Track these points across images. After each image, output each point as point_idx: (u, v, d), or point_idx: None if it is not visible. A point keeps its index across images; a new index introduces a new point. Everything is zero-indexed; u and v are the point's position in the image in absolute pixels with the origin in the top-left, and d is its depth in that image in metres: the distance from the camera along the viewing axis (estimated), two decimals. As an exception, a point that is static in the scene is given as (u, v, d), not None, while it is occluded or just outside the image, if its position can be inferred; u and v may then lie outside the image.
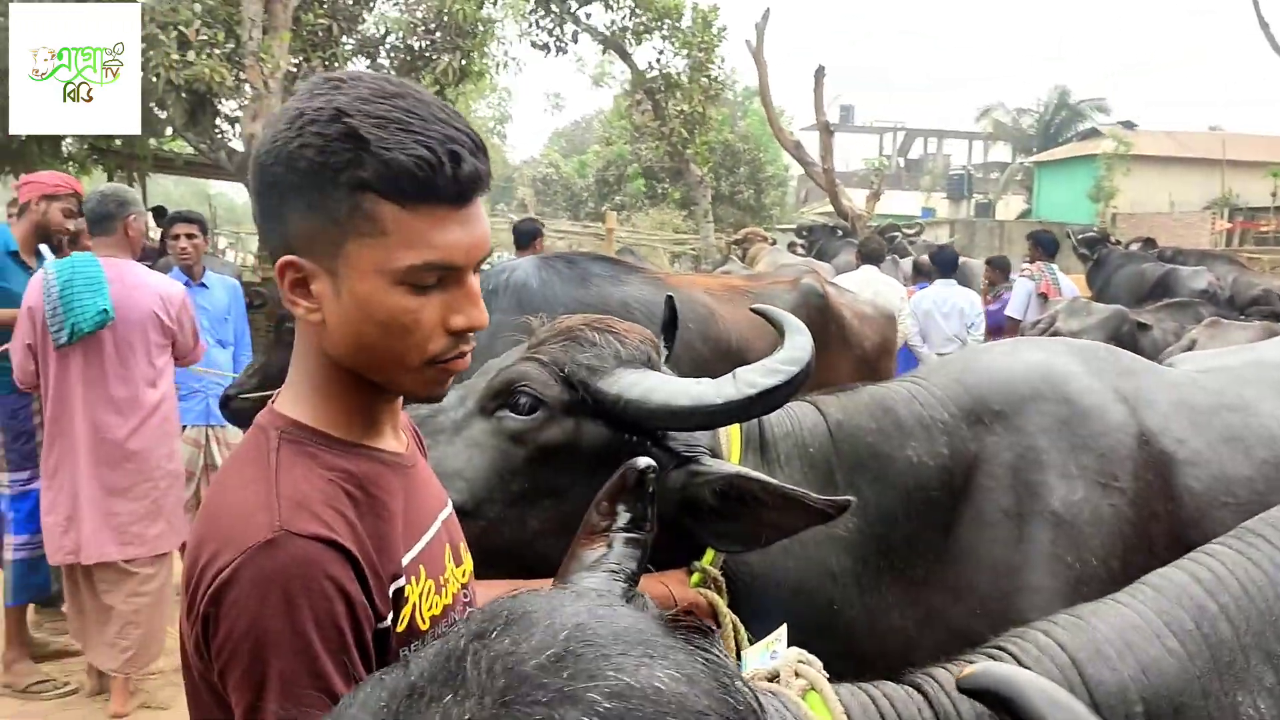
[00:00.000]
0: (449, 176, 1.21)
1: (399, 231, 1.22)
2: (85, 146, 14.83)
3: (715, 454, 2.11)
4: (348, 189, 1.21)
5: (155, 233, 10.40)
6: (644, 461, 1.20)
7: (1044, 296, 8.86)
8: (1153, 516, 2.24)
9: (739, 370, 2.04)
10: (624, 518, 1.16)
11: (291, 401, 1.37)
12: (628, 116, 26.44)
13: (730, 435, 2.23)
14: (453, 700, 0.77)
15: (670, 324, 2.64)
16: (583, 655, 0.79)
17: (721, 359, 4.86)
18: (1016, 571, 2.19)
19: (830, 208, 19.22)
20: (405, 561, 1.34)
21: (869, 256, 8.98)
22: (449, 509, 1.58)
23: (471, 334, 1.33)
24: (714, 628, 2.05)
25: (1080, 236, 13.39)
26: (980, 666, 0.90)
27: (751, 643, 2.01)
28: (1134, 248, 14.22)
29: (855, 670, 1.32)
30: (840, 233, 14.68)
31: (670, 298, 2.71)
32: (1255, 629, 1.14)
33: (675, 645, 0.85)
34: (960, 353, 2.61)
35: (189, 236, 6.11)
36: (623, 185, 33.57)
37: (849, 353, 5.86)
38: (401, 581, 1.32)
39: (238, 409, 4.56)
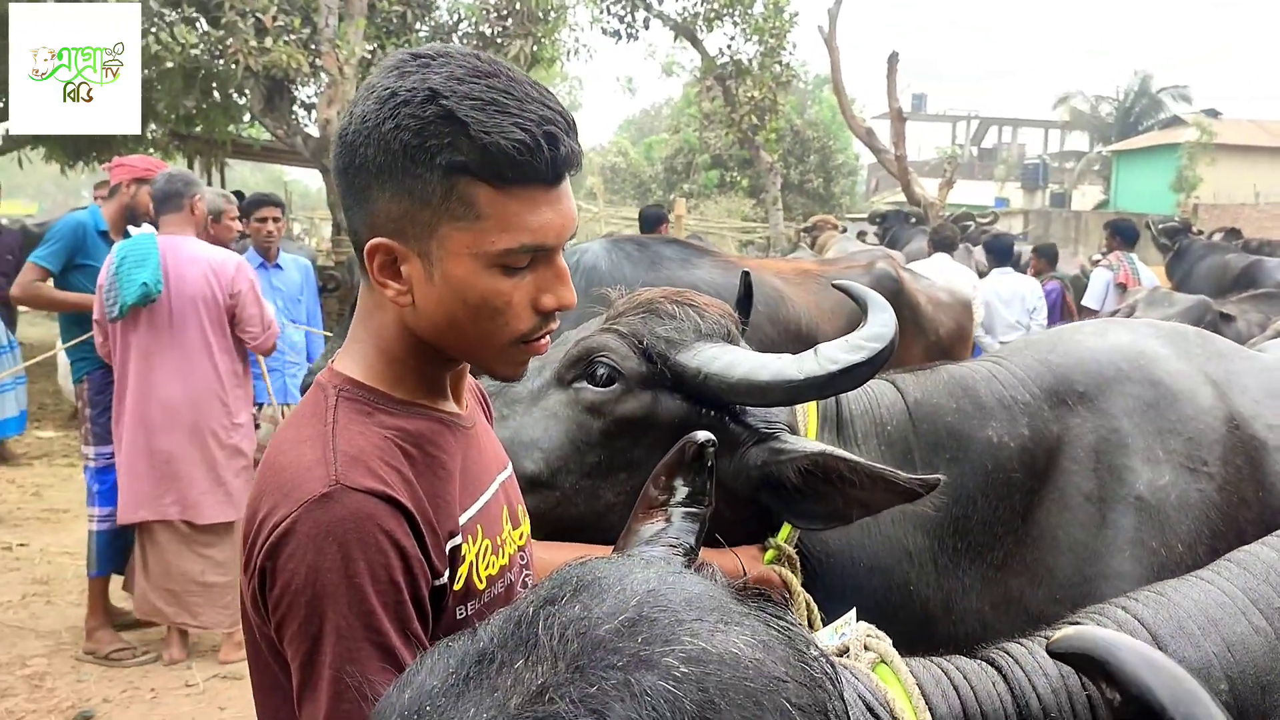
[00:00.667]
0: (546, 159, 1.21)
1: (495, 215, 1.22)
2: (166, 133, 15.21)
3: (793, 431, 2.10)
4: (444, 172, 1.20)
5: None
6: (703, 435, 1.19)
7: (1122, 287, 8.65)
8: (1242, 503, 2.17)
9: (820, 346, 2.01)
10: (682, 492, 1.15)
11: (352, 362, 1.37)
12: (697, 104, 26.34)
13: (808, 412, 2.21)
14: (525, 665, 0.76)
15: (745, 300, 2.61)
16: (657, 620, 0.79)
17: (790, 342, 4.82)
18: (1098, 557, 2.14)
19: (901, 197, 18.96)
20: (463, 520, 1.35)
21: (941, 244, 8.86)
22: (508, 471, 1.59)
23: (558, 313, 1.34)
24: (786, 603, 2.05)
25: (1161, 227, 13.03)
26: (1073, 630, 0.88)
27: (825, 623, 1.99)
28: (1217, 238, 13.78)
29: (930, 653, 1.31)
30: (913, 220, 14.45)
31: (746, 273, 2.68)
32: None
33: (749, 612, 0.84)
34: (1048, 332, 2.55)
35: (274, 220, 6.39)
36: (690, 173, 33.45)
37: (922, 338, 5.79)
38: (458, 540, 1.32)
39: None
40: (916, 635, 2.18)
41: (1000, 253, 8.92)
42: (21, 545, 6.51)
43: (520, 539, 1.55)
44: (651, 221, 9.26)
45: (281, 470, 1.25)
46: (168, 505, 4.92)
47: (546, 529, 1.96)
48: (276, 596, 1.19)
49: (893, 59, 18.06)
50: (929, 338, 5.84)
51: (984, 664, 1.13)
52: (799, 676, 0.80)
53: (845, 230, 14.47)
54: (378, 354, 1.36)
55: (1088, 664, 0.85)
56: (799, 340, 4.90)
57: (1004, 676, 1.09)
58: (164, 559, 4.99)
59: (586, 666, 0.75)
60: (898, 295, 5.62)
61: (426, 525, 1.26)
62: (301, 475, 1.21)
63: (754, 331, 4.62)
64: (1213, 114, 39.05)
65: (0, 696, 4.70)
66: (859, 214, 23.96)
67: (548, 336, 1.36)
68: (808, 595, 2.04)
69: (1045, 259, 10.17)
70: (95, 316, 4.93)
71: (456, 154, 1.19)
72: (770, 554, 2.07)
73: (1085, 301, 8.95)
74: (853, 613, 1.43)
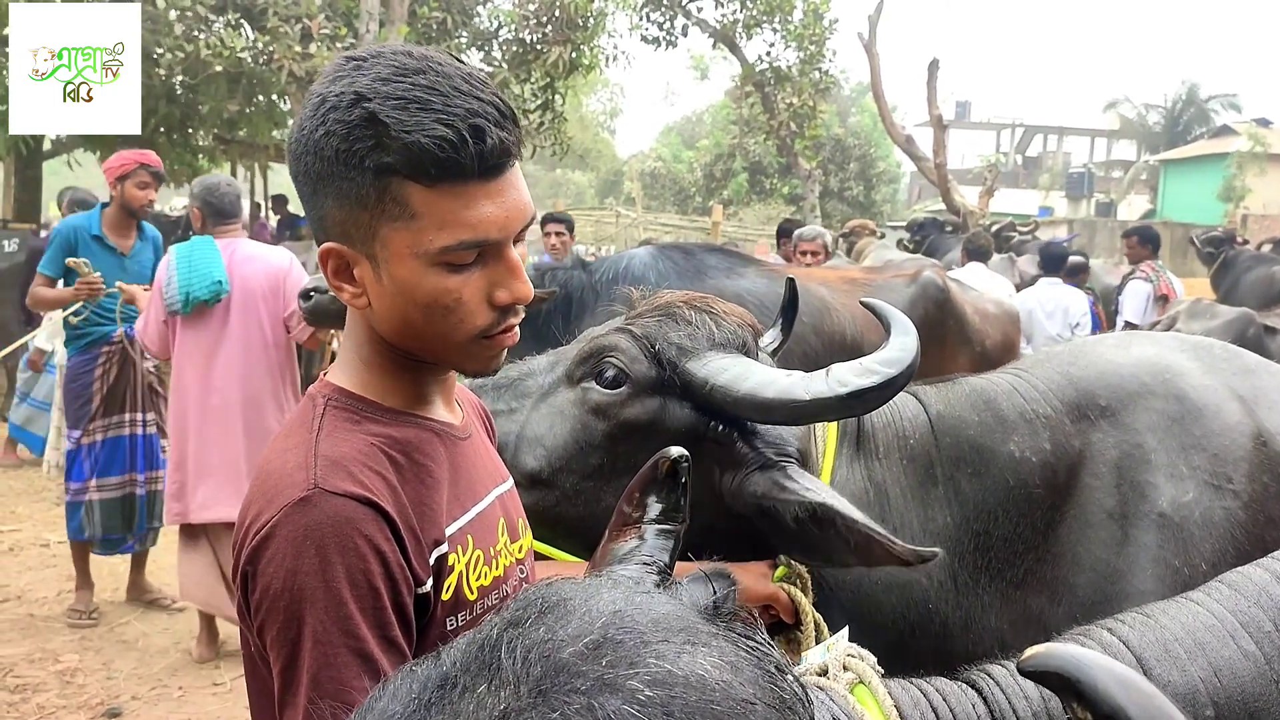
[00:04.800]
0: (472, 153, 1.19)
1: (429, 213, 1.21)
2: (211, 137, 15.44)
3: (806, 455, 2.04)
4: (373, 174, 1.21)
5: (273, 219, 10.83)
6: (676, 451, 1.16)
7: (1164, 299, 8.48)
8: (1269, 522, 2.12)
9: (834, 366, 1.95)
10: (655, 509, 1.13)
11: (342, 372, 1.39)
12: (736, 111, 26.28)
13: (827, 426, 2.19)
14: (488, 690, 0.75)
15: (790, 306, 2.55)
16: (622, 642, 0.77)
17: (836, 353, 4.77)
18: (1120, 575, 2.10)
19: (943, 205, 18.80)
20: (452, 530, 1.34)
21: (975, 253, 8.73)
22: (507, 485, 1.58)
23: (520, 306, 1.33)
24: (795, 624, 2.02)
25: (1204, 236, 12.80)
26: (1044, 647, 0.86)
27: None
28: (1265, 249, 13.52)
29: (948, 673, 1.28)
30: (950, 229, 14.31)
31: (791, 280, 2.62)
32: None
33: (718, 633, 0.82)
34: (1068, 345, 2.50)
35: (558, 235, 7.81)
36: (729, 180, 33.43)
37: (968, 349, 5.68)
38: (445, 549, 1.32)
39: (317, 304, 4.60)
40: (934, 654, 2.14)
41: (1051, 262, 8.75)
42: (60, 542, 6.62)
43: (519, 552, 1.54)
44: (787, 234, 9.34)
45: (267, 477, 1.26)
46: (223, 509, 4.97)
47: (544, 528, 1.94)
48: (257, 600, 1.19)
49: (933, 66, 17.91)
50: (975, 349, 5.74)
51: (964, 685, 1.10)
52: (768, 699, 0.79)
53: (884, 236, 14.36)
54: (362, 363, 1.38)
55: (1059, 682, 0.83)
56: (844, 351, 4.85)
57: (984, 698, 1.07)
58: (225, 553, 5.06)
59: (549, 690, 0.74)
60: (943, 306, 5.54)
61: (409, 531, 1.25)
62: (283, 480, 1.22)
63: (798, 342, 4.61)
64: (1264, 123, 38.32)
65: (33, 691, 4.78)
66: (899, 222, 23.78)
67: (515, 330, 1.36)
68: (818, 615, 2.00)
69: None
70: (158, 317, 5.05)
71: (383, 155, 1.19)
72: (781, 571, 2.04)
73: (1127, 316, 8.75)
74: (844, 631, 1.41)
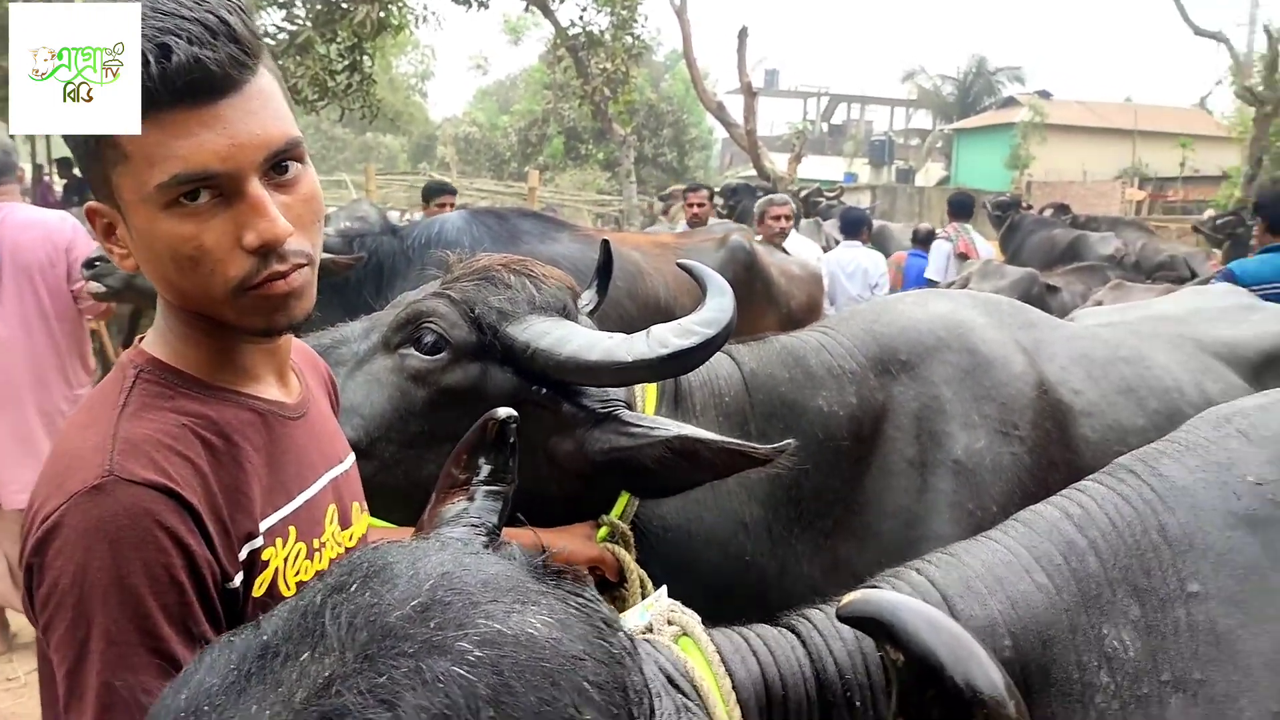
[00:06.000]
0: (155, 74, 1.08)
1: (137, 149, 1.11)
2: None
3: (630, 407, 2.08)
4: None
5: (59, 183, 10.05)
6: (504, 411, 1.15)
7: (963, 256, 8.96)
8: (1051, 464, 2.30)
9: (654, 328, 1.98)
10: (485, 470, 1.13)
11: (155, 340, 1.27)
12: (550, 75, 26.11)
13: (646, 386, 2.22)
14: (311, 657, 0.74)
15: (605, 269, 2.56)
16: (450, 604, 0.77)
17: (651, 316, 4.82)
18: (920, 520, 2.23)
19: (754, 171, 19.26)
20: (270, 522, 1.25)
21: (784, 218, 9.00)
22: (344, 466, 1.48)
23: (287, 251, 1.19)
24: (620, 582, 2.06)
25: (994, 201, 13.65)
26: (859, 594, 0.91)
27: (660, 599, 2.01)
28: (1047, 214, 14.51)
29: (767, 621, 1.33)
30: (761, 194, 14.70)
31: (606, 242, 2.63)
32: (1123, 563, 1.17)
33: (547, 591, 0.83)
34: (872, 303, 2.63)
35: (699, 205, 9.07)
36: (544, 145, 33.25)
37: (775, 310, 5.88)
38: (259, 542, 1.22)
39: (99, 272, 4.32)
40: (752, 603, 2.22)
41: (850, 226, 9.13)
42: None
43: (350, 540, 1.44)
44: (431, 193, 9.06)
45: (60, 458, 1.16)
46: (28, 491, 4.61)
47: (366, 498, 1.90)
48: (43, 596, 1.08)
49: (742, 34, 18.28)
50: (781, 309, 5.94)
51: (784, 631, 1.15)
52: (597, 654, 0.80)
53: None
54: (171, 332, 1.26)
55: (873, 627, 0.88)
56: (659, 314, 4.90)
57: (803, 642, 1.11)
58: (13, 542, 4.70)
59: (376, 655, 0.73)
60: (750, 268, 5.70)
61: (216, 522, 1.16)
62: (76, 464, 1.11)
63: (613, 307, 4.63)
64: (1044, 95, 40.99)
65: None
66: (713, 187, 24.25)
67: (292, 279, 1.20)
68: (642, 572, 2.04)
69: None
70: None
71: None
72: (603, 531, 2.06)
73: (927, 274, 9.23)
74: (663, 590, 1.44)
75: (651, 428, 1.91)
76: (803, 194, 14.22)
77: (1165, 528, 1.18)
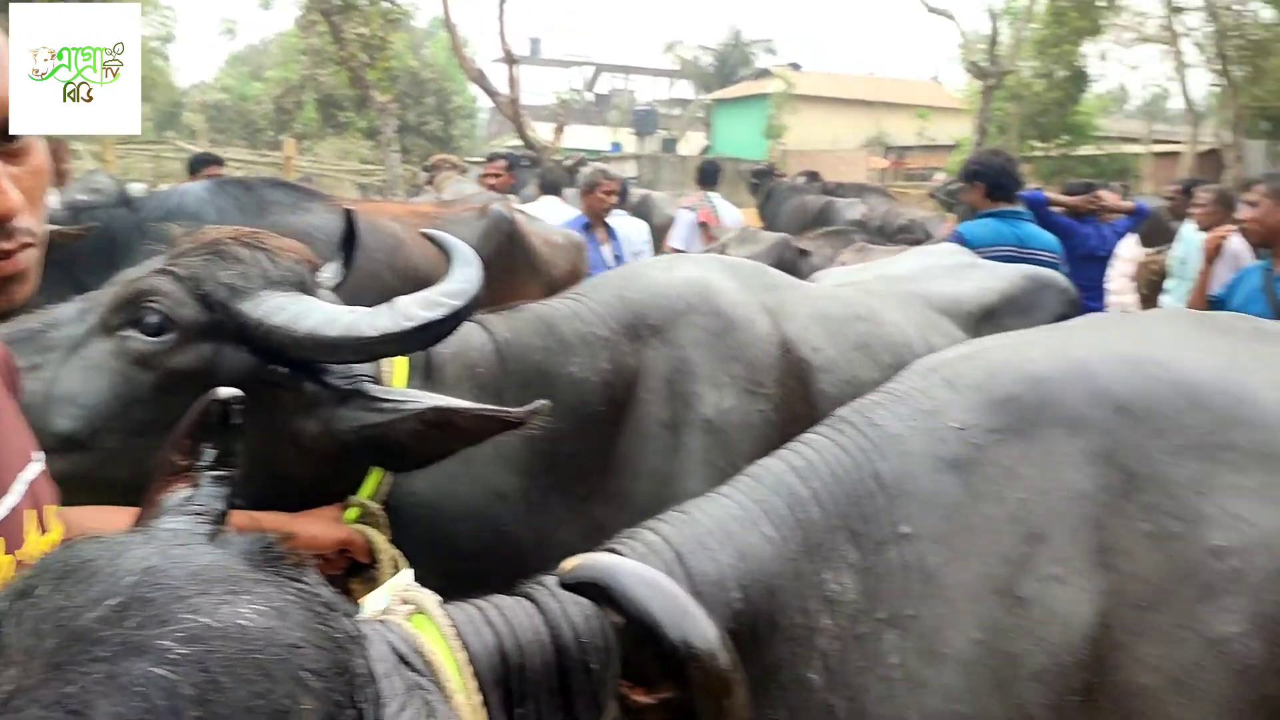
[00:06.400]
0: None
1: None
2: None
3: (377, 382, 2.02)
4: None
5: None
6: (226, 391, 1.09)
7: (704, 225, 9.16)
8: (794, 419, 2.40)
9: (398, 300, 1.92)
10: (208, 454, 1.06)
11: None
12: (304, 40, 24.97)
13: (395, 359, 2.16)
14: None
15: (349, 240, 2.46)
16: (153, 600, 0.72)
17: (412, 287, 4.66)
18: (673, 479, 2.28)
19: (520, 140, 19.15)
20: None
21: (548, 187, 9.02)
22: (38, 465, 1.33)
23: (15, 228, 1.08)
24: (370, 564, 2.00)
25: (751, 170, 14.19)
26: (579, 558, 0.91)
27: (418, 575, 1.97)
28: (799, 181, 15.20)
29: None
30: (527, 163, 14.65)
31: (349, 211, 2.53)
32: (842, 510, 1.24)
33: (263, 579, 0.79)
34: (620, 269, 2.67)
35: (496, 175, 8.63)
36: (300, 112, 31.81)
37: (539, 279, 5.87)
38: None
39: None
40: (513, 573, 2.22)
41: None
42: None
43: (50, 547, 1.28)
44: (199, 164, 8.62)
45: None
46: None
47: (87, 495, 1.74)
48: None
49: (503, 1, 18.10)
50: (544, 279, 5.93)
51: (523, 600, 1.15)
52: (317, 640, 0.77)
53: (466, 171, 14.41)
54: None
55: (593, 591, 0.89)
56: (420, 285, 4.74)
57: (541, 609, 1.11)
58: None
59: (65, 663, 0.67)
60: (514, 238, 5.67)
61: None
62: None
63: (372, 280, 4.49)
64: (795, 67, 42.86)
65: None
66: (479, 157, 24.00)
67: (12, 258, 1.09)
68: (395, 551, 1.99)
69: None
70: None
71: None
72: (352, 513, 2.00)
73: (671, 243, 9.39)
74: (408, 572, 1.41)
75: (403, 401, 1.86)
76: (567, 163, 14.26)
77: (880, 474, 1.25)
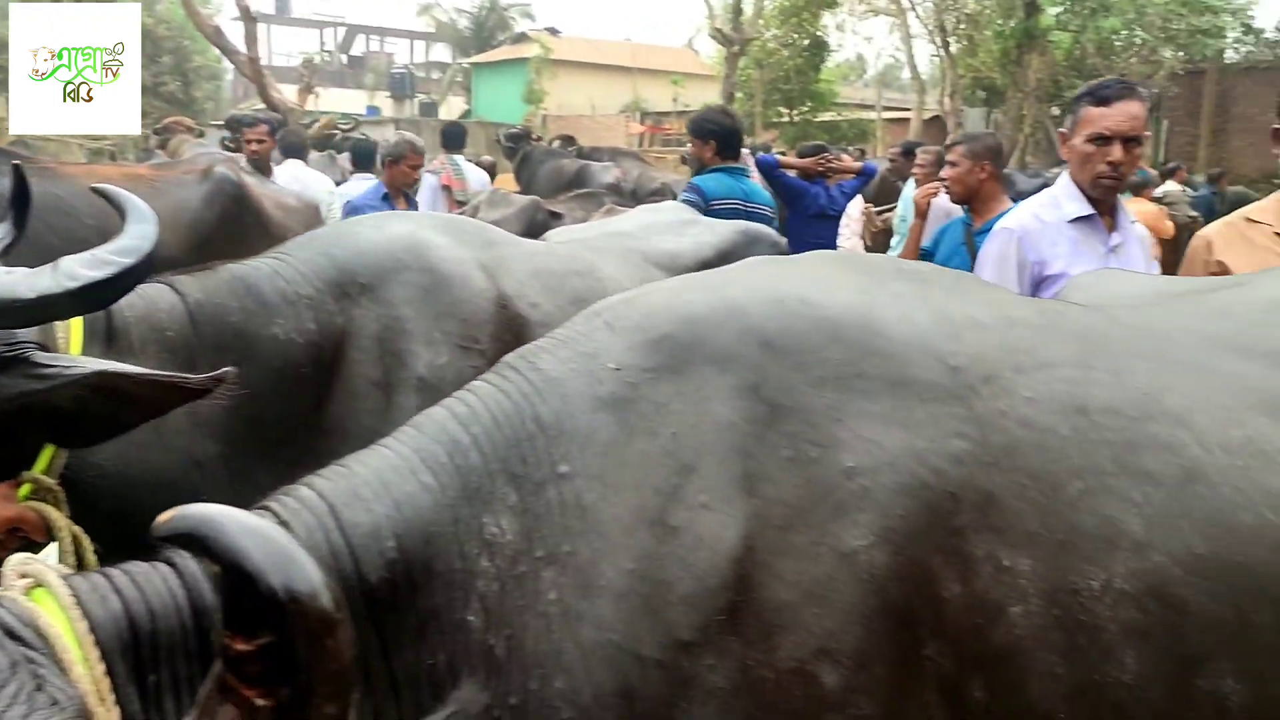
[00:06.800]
0: None
1: None
2: None
3: (45, 348, 1.86)
4: None
5: None
6: None
7: (447, 189, 9.00)
8: (510, 373, 2.41)
9: (62, 260, 1.77)
10: None
11: None
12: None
13: (70, 326, 2.01)
14: None
15: (20, 200, 2.24)
16: None
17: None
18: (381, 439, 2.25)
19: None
20: None
21: (291, 150, 8.68)
22: None
23: None
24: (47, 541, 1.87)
25: (505, 134, 14.10)
26: (172, 512, 0.88)
27: (98, 553, 1.85)
28: (555, 145, 15.23)
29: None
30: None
31: (18, 167, 2.30)
32: (502, 454, 1.26)
33: None
34: (328, 227, 2.59)
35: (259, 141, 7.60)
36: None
37: (270, 243, 5.59)
38: None
39: None
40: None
41: (363, 158, 8.98)
42: None
43: None
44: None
45: None
46: None
47: None
48: None
49: (239, -46, 17.05)
50: (276, 242, 5.69)
51: (160, 563, 1.10)
52: None
53: (203, 135, 13.57)
54: None
55: (191, 542, 0.86)
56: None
57: (178, 571, 1.07)
58: None
59: None
60: (241, 201, 5.38)
61: None
62: None
63: (82, 245, 4.12)
64: (553, 32, 42.69)
65: None
66: (272, 122, 22.63)
67: None
68: (76, 528, 1.86)
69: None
70: None
71: None
72: (25, 489, 1.85)
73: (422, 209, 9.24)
74: (51, 549, 1.33)
75: (67, 367, 1.72)
76: (316, 127, 13.70)
77: (540, 417, 1.27)
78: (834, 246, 7.48)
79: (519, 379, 1.34)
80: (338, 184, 9.08)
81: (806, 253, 1.72)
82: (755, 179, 5.97)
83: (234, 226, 5.10)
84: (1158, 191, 12.06)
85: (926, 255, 5.16)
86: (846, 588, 1.19)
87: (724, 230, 3.27)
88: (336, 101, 36.96)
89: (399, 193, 6.72)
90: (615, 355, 1.31)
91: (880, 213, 8.23)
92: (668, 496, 1.20)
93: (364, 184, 8.54)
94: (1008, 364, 1.38)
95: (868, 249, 7.71)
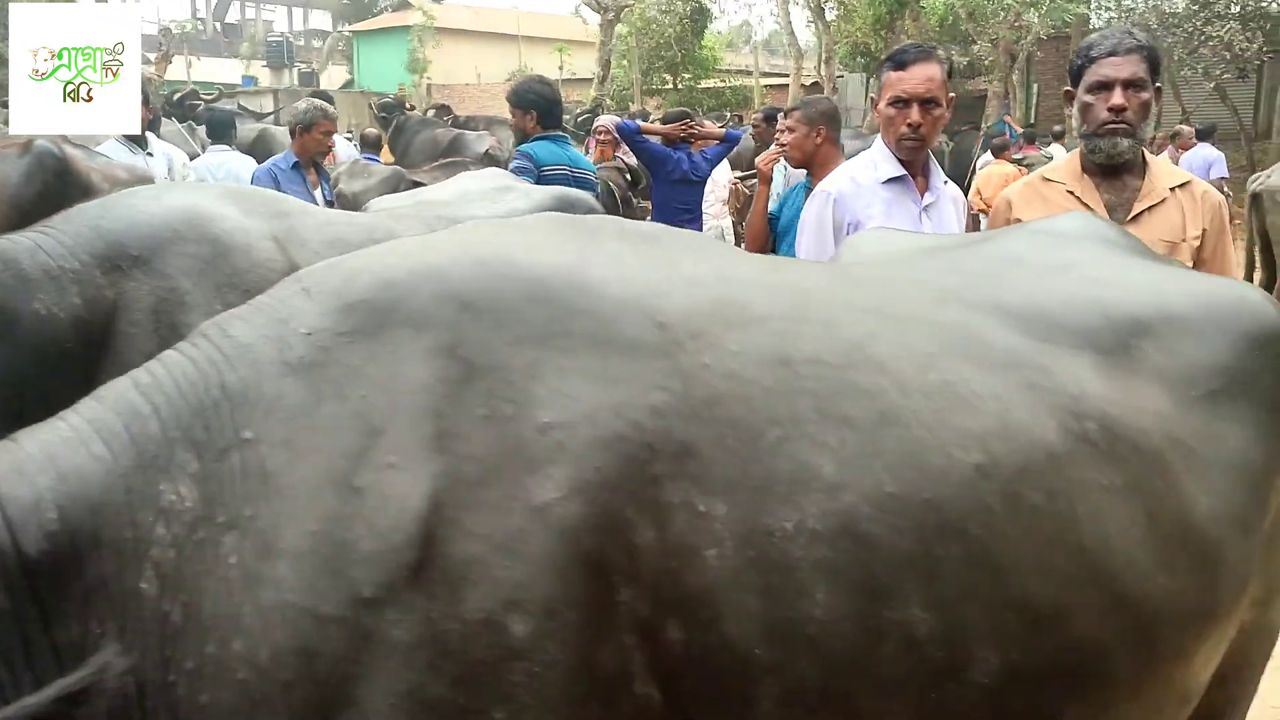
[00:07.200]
0: None
1: None
2: None
3: None
4: None
5: None
6: None
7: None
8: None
9: None
10: None
11: None
12: None
13: None
14: None
15: None
16: None
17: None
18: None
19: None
20: None
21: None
22: None
23: None
24: None
25: (379, 103, 13.84)
26: None
27: None
28: (430, 114, 15.02)
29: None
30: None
31: None
32: (184, 422, 1.24)
33: None
34: (101, 199, 2.51)
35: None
36: None
37: (99, 221, 5.42)
38: None
39: None
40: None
41: (218, 129, 8.68)
42: None
43: None
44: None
45: None
46: None
47: None
48: None
49: (91, -84, 16.26)
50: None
51: None
52: None
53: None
54: None
55: None
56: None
57: None
58: None
59: None
60: (65, 176, 5.16)
61: None
62: None
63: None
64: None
65: None
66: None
67: None
68: None
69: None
70: None
71: None
72: None
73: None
74: None
75: None
76: (176, 96, 13.23)
77: (226, 385, 1.26)
78: (699, 211, 7.56)
79: (208, 346, 1.33)
80: (192, 158, 8.78)
81: (522, 217, 1.73)
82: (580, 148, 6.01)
83: (58, 201, 4.88)
84: (1047, 152, 12.49)
85: (774, 219, 5.24)
86: (537, 540, 1.21)
87: (539, 196, 3.28)
88: (211, 71, 35.73)
89: (310, 162, 6.31)
90: (309, 320, 1.31)
91: (745, 178, 8.32)
92: (354, 459, 1.21)
93: (219, 156, 8.27)
94: (718, 319, 1.41)
95: (734, 215, 7.80)
